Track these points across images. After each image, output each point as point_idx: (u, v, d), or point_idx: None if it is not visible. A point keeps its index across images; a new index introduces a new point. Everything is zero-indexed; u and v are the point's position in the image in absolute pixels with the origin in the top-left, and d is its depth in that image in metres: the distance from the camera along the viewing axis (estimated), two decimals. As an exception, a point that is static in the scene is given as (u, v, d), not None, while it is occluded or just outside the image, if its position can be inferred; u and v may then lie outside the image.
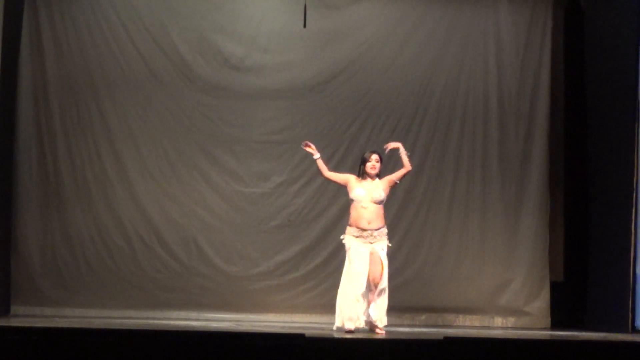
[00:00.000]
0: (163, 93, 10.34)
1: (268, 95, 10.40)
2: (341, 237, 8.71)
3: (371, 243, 8.52)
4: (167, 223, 10.25)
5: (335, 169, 10.25)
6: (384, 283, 8.52)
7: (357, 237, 8.54)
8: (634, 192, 9.36)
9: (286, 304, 10.26)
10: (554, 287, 10.43)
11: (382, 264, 8.48)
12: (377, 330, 8.48)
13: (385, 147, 8.86)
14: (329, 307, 10.08)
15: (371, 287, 8.49)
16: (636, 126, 9.40)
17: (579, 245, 10.37)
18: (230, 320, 9.89)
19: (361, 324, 8.47)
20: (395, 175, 8.76)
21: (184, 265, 10.23)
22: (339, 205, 10.32)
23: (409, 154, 8.80)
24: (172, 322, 9.35)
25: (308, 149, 8.85)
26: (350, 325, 8.42)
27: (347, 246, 8.61)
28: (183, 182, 10.31)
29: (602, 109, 10.05)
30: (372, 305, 8.48)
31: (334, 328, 8.58)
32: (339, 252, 10.26)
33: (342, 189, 10.18)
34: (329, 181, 9.08)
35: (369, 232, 8.52)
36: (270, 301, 10.23)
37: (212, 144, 10.37)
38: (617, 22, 9.81)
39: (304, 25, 9.57)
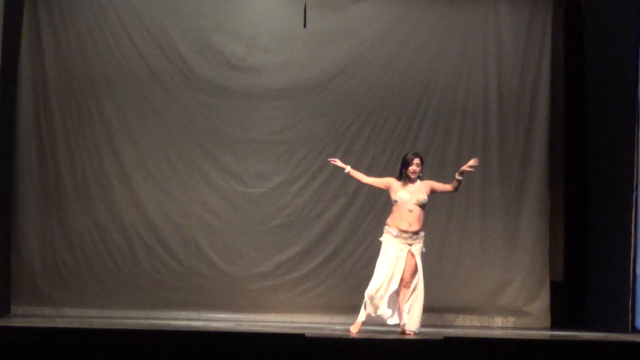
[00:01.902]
0: (163, 93, 10.34)
1: (268, 95, 10.40)
2: (380, 239, 8.62)
3: (410, 245, 8.51)
4: (167, 223, 10.24)
5: (335, 169, 10.24)
6: (418, 286, 8.51)
7: (395, 236, 8.52)
8: (634, 192, 9.36)
9: (286, 304, 10.25)
10: (554, 287, 10.44)
11: (415, 267, 8.48)
12: (407, 331, 8.46)
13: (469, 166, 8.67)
14: (329, 307, 10.12)
15: (400, 288, 8.49)
16: (636, 126, 9.40)
17: (579, 245, 10.37)
18: (230, 320, 9.89)
19: (385, 315, 8.47)
20: (439, 186, 8.68)
21: (184, 265, 10.23)
22: (339, 205, 10.33)
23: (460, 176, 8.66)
24: (172, 322, 9.35)
25: (336, 164, 8.77)
26: (362, 317, 8.45)
27: (383, 244, 8.56)
28: (183, 182, 10.31)
29: (602, 109, 10.05)
30: (405, 308, 8.48)
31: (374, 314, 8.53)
32: (339, 252, 10.30)
33: (342, 189, 10.24)
34: (370, 187, 9.02)
35: (409, 234, 8.51)
36: (270, 301, 10.22)
37: (212, 144, 10.37)
38: (617, 22, 9.81)
39: (304, 25, 9.57)
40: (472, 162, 8.65)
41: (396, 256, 8.48)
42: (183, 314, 10.04)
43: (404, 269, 8.49)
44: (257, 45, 10.43)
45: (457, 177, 8.66)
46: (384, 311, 8.48)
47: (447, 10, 10.54)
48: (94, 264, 10.14)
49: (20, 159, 10.13)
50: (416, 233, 8.52)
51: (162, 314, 9.96)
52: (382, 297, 8.44)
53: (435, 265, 10.30)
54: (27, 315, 9.76)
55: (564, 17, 10.67)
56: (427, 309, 10.07)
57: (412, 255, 8.49)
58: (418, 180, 8.63)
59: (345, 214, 10.37)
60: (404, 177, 8.61)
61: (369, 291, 8.45)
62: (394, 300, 8.54)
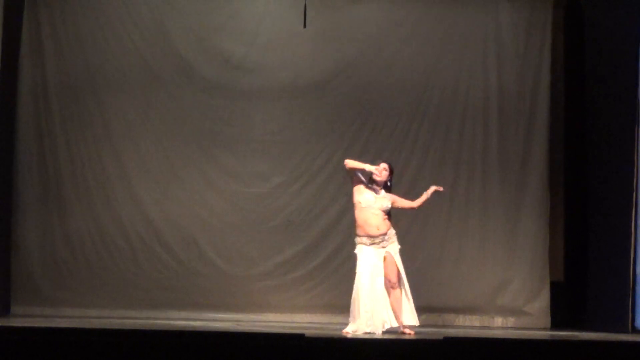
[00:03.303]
0: (163, 93, 10.35)
1: (268, 95, 10.40)
2: (355, 251, 8.49)
3: (384, 247, 8.48)
4: (167, 223, 10.25)
5: (335, 169, 10.27)
6: (402, 283, 8.46)
7: (370, 244, 8.44)
8: (634, 192, 9.36)
9: (286, 304, 10.25)
10: (554, 287, 10.43)
11: (396, 266, 8.44)
12: (406, 331, 8.41)
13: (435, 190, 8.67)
14: (329, 307, 10.11)
15: (388, 289, 8.45)
16: (636, 126, 9.40)
17: (579, 245, 10.37)
18: (230, 320, 9.89)
19: (377, 328, 8.31)
20: (400, 202, 8.60)
21: (184, 265, 10.23)
22: (339, 205, 10.32)
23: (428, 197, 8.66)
24: (172, 322, 9.35)
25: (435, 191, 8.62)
26: (368, 329, 8.28)
27: (358, 255, 8.46)
28: (183, 182, 10.31)
29: (602, 109, 10.05)
30: (396, 307, 8.42)
31: (349, 331, 8.34)
32: (339, 252, 10.29)
33: (343, 188, 10.24)
34: (348, 168, 8.57)
35: (381, 237, 8.47)
36: (270, 301, 10.23)
37: (212, 144, 10.37)
38: (617, 22, 9.81)
39: (304, 26, 9.57)
40: (439, 189, 8.64)
41: (373, 264, 8.40)
42: (183, 314, 10.03)
43: (387, 272, 8.43)
44: (257, 45, 10.43)
45: (425, 196, 8.62)
46: (374, 326, 8.31)
47: (447, 10, 10.54)
48: (94, 264, 10.15)
49: (20, 159, 10.13)
50: (386, 234, 8.47)
51: (162, 314, 9.96)
52: (369, 312, 8.31)
53: (435, 265, 10.32)
54: (27, 315, 9.75)
55: (564, 17, 10.67)
56: (427, 309, 10.11)
57: (391, 256, 8.45)
58: (383, 191, 8.56)
59: (345, 214, 10.33)
60: (371, 182, 8.54)
61: (352, 310, 8.34)
62: (384, 307, 8.42)
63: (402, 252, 9.98)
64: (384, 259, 8.46)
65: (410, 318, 8.46)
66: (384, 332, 8.29)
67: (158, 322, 9.38)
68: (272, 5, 10.47)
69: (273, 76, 10.41)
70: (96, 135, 10.26)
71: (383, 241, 8.47)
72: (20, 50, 10.13)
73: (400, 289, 8.46)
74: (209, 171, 10.36)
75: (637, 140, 9.39)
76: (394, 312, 8.42)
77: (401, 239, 9.93)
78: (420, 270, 10.20)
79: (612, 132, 9.82)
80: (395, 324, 8.41)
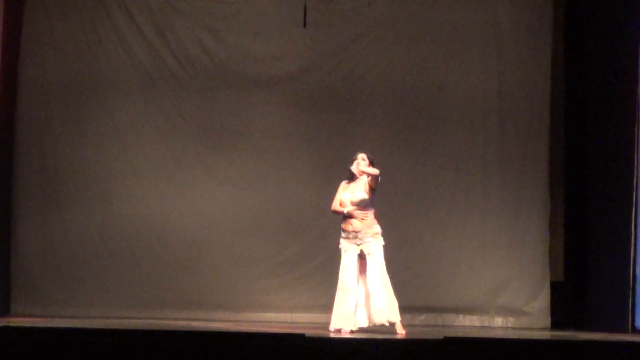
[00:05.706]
0: (163, 93, 10.35)
1: (268, 94, 10.40)
2: (338, 243, 8.65)
3: (358, 245, 8.51)
4: (167, 223, 10.24)
5: (334, 168, 10.25)
6: (383, 282, 8.48)
7: (345, 238, 8.57)
8: (634, 192, 9.36)
9: (286, 304, 10.26)
10: (554, 287, 10.43)
11: (374, 266, 8.45)
12: (398, 332, 8.43)
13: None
14: (329, 307, 10.06)
15: (368, 287, 8.47)
16: (636, 126, 9.40)
17: (579, 245, 10.37)
18: (230, 320, 9.89)
19: (355, 325, 8.40)
20: (370, 181, 8.55)
21: (184, 265, 10.23)
22: (339, 204, 10.32)
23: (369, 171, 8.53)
24: (172, 322, 9.35)
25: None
26: (345, 327, 8.36)
27: (340, 248, 8.62)
28: (183, 182, 10.31)
29: (602, 109, 10.05)
30: (377, 304, 8.43)
31: (331, 329, 8.48)
32: (339, 252, 10.28)
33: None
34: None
35: (354, 233, 8.52)
36: (270, 301, 10.23)
37: (212, 143, 10.37)
38: (617, 22, 9.81)
39: (304, 25, 9.58)
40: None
41: (351, 260, 8.49)
42: (183, 314, 10.03)
43: (360, 271, 8.49)
44: (257, 44, 10.42)
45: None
46: (362, 321, 8.44)
47: (447, 10, 10.52)
48: (94, 264, 10.15)
49: (20, 159, 10.14)
50: (361, 232, 8.49)
51: (162, 314, 9.96)
52: (345, 308, 8.40)
53: (435, 265, 10.31)
54: (27, 315, 9.76)
55: (564, 17, 10.66)
56: (427, 309, 10.12)
57: (367, 255, 8.47)
58: (364, 177, 8.60)
59: (345, 214, 10.37)
60: (351, 175, 8.62)
61: (341, 310, 8.41)
62: (352, 304, 8.46)
63: (403, 253, 10.08)
64: (362, 256, 8.51)
65: (391, 315, 8.44)
66: (384, 325, 8.38)
67: (158, 322, 9.38)
68: (272, 5, 10.47)
69: (273, 75, 10.41)
70: (96, 135, 10.26)
71: (356, 238, 8.53)
72: (20, 50, 10.13)
73: (379, 287, 8.43)
74: (209, 171, 10.35)
75: (637, 140, 9.39)
76: (367, 311, 8.47)
77: (401, 240, 10.00)
78: (420, 270, 10.22)
79: (612, 132, 9.81)
80: (365, 324, 8.45)
